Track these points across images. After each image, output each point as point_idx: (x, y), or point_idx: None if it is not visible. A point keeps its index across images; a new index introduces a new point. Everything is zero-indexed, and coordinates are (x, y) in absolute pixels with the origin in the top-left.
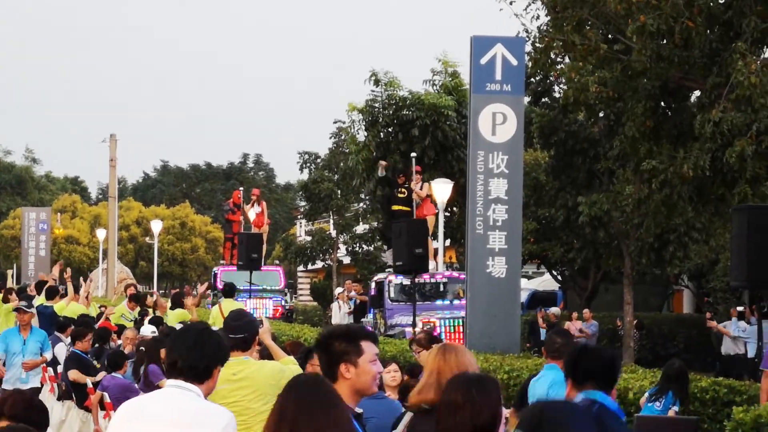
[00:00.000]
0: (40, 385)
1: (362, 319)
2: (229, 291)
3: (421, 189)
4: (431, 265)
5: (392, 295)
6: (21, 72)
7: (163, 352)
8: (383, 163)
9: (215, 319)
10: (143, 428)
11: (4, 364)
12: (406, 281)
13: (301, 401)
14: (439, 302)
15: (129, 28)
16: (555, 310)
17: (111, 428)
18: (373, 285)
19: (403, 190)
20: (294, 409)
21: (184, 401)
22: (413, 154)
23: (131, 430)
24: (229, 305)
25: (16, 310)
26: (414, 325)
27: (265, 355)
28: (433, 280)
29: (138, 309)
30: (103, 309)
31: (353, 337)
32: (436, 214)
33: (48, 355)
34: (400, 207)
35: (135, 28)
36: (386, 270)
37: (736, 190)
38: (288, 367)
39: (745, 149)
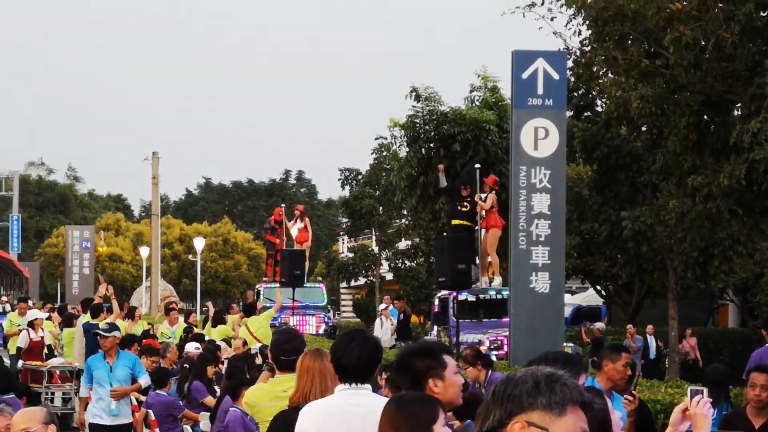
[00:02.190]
0: (130, 421)
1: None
2: (250, 310)
3: (484, 201)
4: (496, 281)
5: (456, 311)
6: (63, 90)
7: (209, 369)
8: (441, 166)
9: (244, 336)
10: (341, 424)
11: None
12: (472, 297)
13: (412, 417)
14: (505, 319)
15: (171, 47)
16: (600, 325)
17: (301, 426)
18: (436, 302)
19: (465, 204)
20: (406, 427)
21: (365, 401)
22: (477, 166)
23: (328, 429)
24: (254, 323)
25: (95, 334)
26: (480, 342)
27: None
28: (499, 296)
29: (178, 325)
30: (149, 326)
31: (434, 351)
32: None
33: (143, 381)
34: (461, 221)
35: (177, 46)
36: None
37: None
38: None
39: None
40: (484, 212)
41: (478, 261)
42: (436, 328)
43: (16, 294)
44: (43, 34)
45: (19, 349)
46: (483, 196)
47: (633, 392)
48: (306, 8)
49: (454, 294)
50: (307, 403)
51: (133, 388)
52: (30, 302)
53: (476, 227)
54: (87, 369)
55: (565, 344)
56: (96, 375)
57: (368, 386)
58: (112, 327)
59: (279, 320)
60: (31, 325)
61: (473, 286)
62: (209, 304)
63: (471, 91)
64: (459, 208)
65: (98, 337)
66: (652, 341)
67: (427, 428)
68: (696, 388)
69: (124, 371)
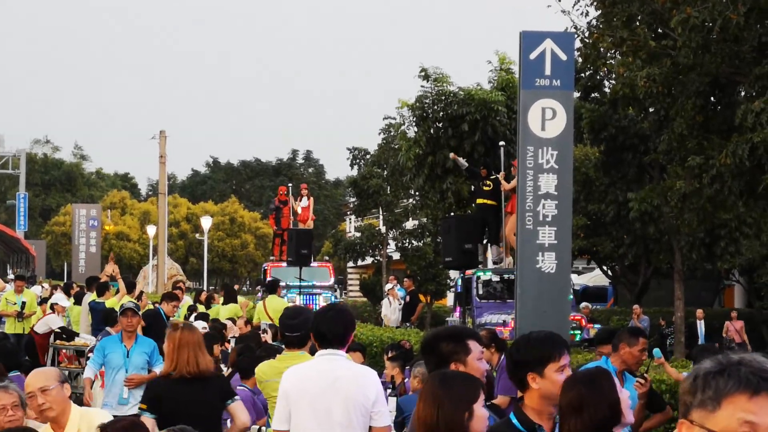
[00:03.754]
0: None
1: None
2: (272, 287)
3: (509, 182)
4: (508, 260)
5: (480, 292)
6: (70, 68)
7: (216, 348)
8: (452, 155)
9: (260, 315)
10: (315, 387)
11: (98, 383)
12: (496, 278)
13: (455, 395)
14: None
15: (177, 23)
16: (585, 304)
17: (283, 389)
18: (459, 282)
19: (489, 182)
20: (449, 404)
21: (340, 364)
22: (502, 143)
23: (304, 389)
24: (272, 302)
25: (123, 312)
26: (505, 323)
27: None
28: None
29: (183, 303)
30: (156, 305)
31: (460, 336)
32: None
33: (158, 370)
34: (486, 201)
35: (184, 24)
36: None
37: (764, 176)
38: None
39: None
40: (507, 192)
41: (502, 242)
42: (458, 309)
43: (23, 272)
44: (49, 11)
45: (59, 330)
46: (503, 175)
47: (645, 375)
48: None
49: (477, 274)
50: (175, 371)
51: (150, 378)
52: (40, 280)
53: (501, 206)
54: (99, 350)
55: (591, 325)
56: (110, 358)
57: (343, 352)
58: (138, 307)
59: (286, 299)
60: (52, 307)
61: (497, 266)
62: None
63: (489, 72)
64: (483, 187)
65: (122, 316)
66: (701, 326)
67: (468, 407)
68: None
69: (141, 358)
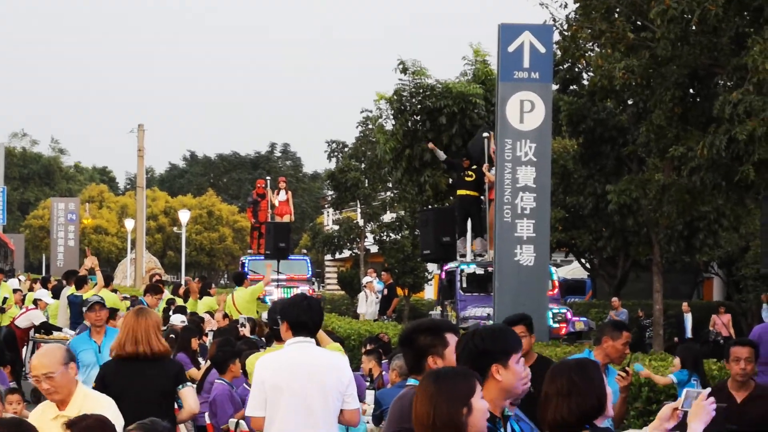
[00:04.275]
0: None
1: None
2: (239, 279)
3: (492, 172)
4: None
5: (464, 285)
6: (46, 61)
7: (194, 342)
8: (430, 144)
9: (229, 309)
10: (294, 372)
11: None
12: (480, 270)
13: (449, 391)
14: None
15: (154, 16)
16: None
17: (259, 377)
18: (442, 275)
19: (470, 173)
20: (444, 401)
21: (312, 351)
22: (485, 135)
23: (280, 377)
24: (240, 293)
25: (90, 306)
26: (489, 317)
27: None
28: None
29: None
30: (132, 299)
31: (438, 329)
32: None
33: None
34: (468, 192)
35: (161, 15)
36: (459, 259)
37: (741, 168)
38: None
39: (756, 129)
40: (491, 183)
41: (486, 235)
42: (441, 302)
43: (1, 266)
44: (25, 2)
45: (41, 324)
46: (487, 167)
47: (626, 369)
48: None
49: (460, 268)
50: (129, 353)
51: None
52: (17, 274)
53: (483, 197)
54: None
55: (577, 318)
56: (81, 357)
57: (313, 340)
58: (103, 300)
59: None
60: (35, 302)
61: (481, 258)
62: (188, 279)
63: (464, 65)
64: (464, 178)
65: (89, 311)
66: (688, 319)
67: (464, 402)
68: (696, 391)
69: None
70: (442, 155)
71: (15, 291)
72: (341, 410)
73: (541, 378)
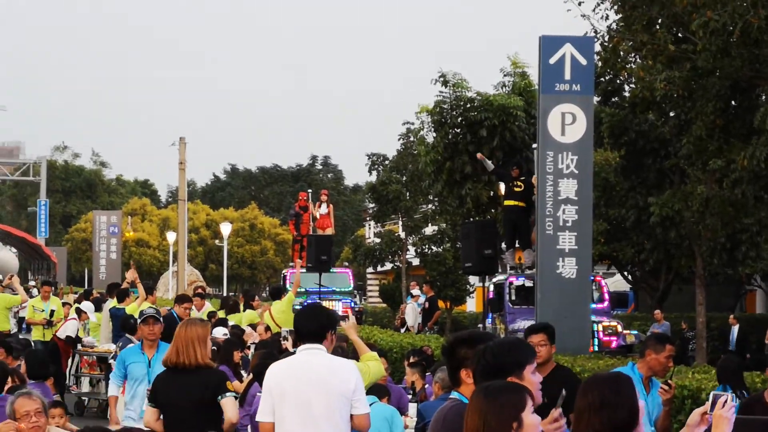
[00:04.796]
0: None
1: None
2: (276, 293)
3: None
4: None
5: (513, 298)
6: (87, 75)
7: (236, 354)
8: (479, 155)
9: (268, 322)
10: (299, 379)
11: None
12: (529, 283)
13: (499, 406)
14: None
15: (196, 32)
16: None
17: (267, 384)
18: (491, 288)
19: (519, 183)
20: (494, 416)
21: (319, 358)
22: (535, 146)
23: (286, 383)
24: (277, 306)
25: (144, 319)
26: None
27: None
28: None
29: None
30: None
31: (474, 342)
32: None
33: None
34: (515, 202)
35: (202, 31)
36: (509, 272)
37: None
38: (366, 363)
39: None
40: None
41: (534, 246)
42: (490, 315)
43: (44, 279)
44: (66, 19)
45: (68, 337)
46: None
47: (669, 381)
48: None
49: (510, 280)
50: (173, 363)
51: None
52: (61, 289)
53: (531, 208)
54: (120, 362)
55: (628, 332)
56: (131, 369)
57: (323, 347)
58: (159, 313)
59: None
60: (79, 313)
61: (530, 271)
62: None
63: (504, 76)
64: (513, 188)
65: (143, 324)
66: (734, 332)
67: (515, 417)
68: (719, 393)
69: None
70: (490, 165)
71: (64, 304)
72: (351, 415)
73: (556, 387)
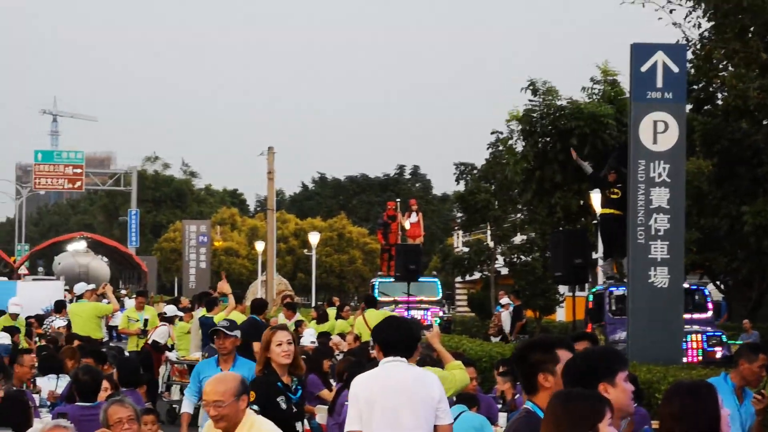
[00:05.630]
0: None
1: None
2: (371, 301)
3: None
4: None
5: (613, 308)
6: (177, 87)
7: (326, 363)
8: (574, 155)
9: (360, 328)
10: (386, 388)
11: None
12: None
13: (575, 415)
14: None
15: (286, 42)
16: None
17: (354, 393)
18: (590, 297)
19: (615, 190)
20: (567, 424)
21: (403, 369)
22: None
23: (372, 392)
24: (373, 314)
25: (215, 332)
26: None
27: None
28: None
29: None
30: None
31: (548, 346)
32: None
33: None
34: (611, 211)
35: (293, 41)
36: (606, 281)
37: None
38: (450, 372)
39: None
40: None
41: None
42: (591, 325)
43: (135, 288)
44: (155, 31)
45: (155, 342)
46: None
47: (762, 391)
48: (421, 5)
49: (609, 290)
50: (262, 369)
51: None
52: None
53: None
54: (195, 376)
55: (733, 342)
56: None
57: (404, 359)
58: (233, 325)
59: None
60: (171, 320)
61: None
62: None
63: (594, 84)
64: (609, 195)
65: (215, 336)
66: None
67: (591, 427)
68: None
69: None
70: (588, 168)
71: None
72: (435, 426)
73: None
